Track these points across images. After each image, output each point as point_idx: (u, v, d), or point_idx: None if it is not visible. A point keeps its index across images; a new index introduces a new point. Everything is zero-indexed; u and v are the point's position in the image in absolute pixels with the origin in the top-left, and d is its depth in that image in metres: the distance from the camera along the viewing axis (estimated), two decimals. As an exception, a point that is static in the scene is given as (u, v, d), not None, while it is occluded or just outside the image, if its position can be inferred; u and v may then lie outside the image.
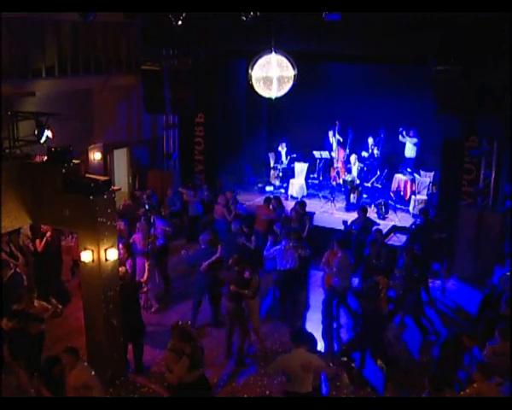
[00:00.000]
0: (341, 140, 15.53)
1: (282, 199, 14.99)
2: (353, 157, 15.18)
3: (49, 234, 10.33)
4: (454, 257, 12.03)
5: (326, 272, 10.03)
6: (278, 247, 10.20)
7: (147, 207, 11.51)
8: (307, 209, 12.51)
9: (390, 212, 14.00)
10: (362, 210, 12.00)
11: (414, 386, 8.17)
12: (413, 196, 14.18)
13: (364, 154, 15.34)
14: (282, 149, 16.17)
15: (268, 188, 15.93)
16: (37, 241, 10.36)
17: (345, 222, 12.08)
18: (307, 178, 15.82)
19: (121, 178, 15.44)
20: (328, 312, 9.78)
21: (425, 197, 14.02)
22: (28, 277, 10.13)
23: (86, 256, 8.03)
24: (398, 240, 12.45)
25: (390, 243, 12.10)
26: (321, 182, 15.90)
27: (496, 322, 7.76)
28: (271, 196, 13.22)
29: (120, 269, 8.54)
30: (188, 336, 7.05)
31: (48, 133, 8.47)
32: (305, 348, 6.90)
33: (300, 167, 15.69)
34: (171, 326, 7.21)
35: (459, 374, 7.42)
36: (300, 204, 12.21)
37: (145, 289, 9.42)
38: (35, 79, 11.68)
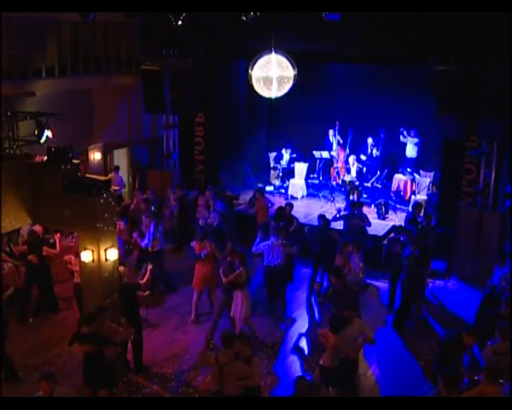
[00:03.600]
0: (341, 141, 15.54)
1: (282, 199, 15.10)
2: (352, 158, 15.20)
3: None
4: (454, 257, 12.04)
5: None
6: (266, 243, 10.27)
7: (152, 208, 11.47)
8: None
9: (390, 212, 14.00)
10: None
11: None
12: (413, 196, 14.18)
13: (363, 157, 15.35)
14: (286, 152, 16.25)
15: (268, 188, 15.92)
16: (33, 256, 9.87)
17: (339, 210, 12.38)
18: (307, 178, 15.83)
19: (121, 178, 15.46)
20: None
21: (425, 197, 14.01)
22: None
23: (86, 256, 8.03)
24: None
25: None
26: (321, 182, 15.91)
27: (496, 322, 7.75)
28: (258, 190, 13.32)
29: (120, 269, 8.53)
30: (248, 339, 7.22)
31: (48, 133, 8.48)
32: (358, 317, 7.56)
33: (300, 167, 15.71)
34: (225, 337, 6.86)
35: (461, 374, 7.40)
36: (289, 205, 12.16)
37: (146, 292, 9.34)
38: (35, 79, 11.66)
